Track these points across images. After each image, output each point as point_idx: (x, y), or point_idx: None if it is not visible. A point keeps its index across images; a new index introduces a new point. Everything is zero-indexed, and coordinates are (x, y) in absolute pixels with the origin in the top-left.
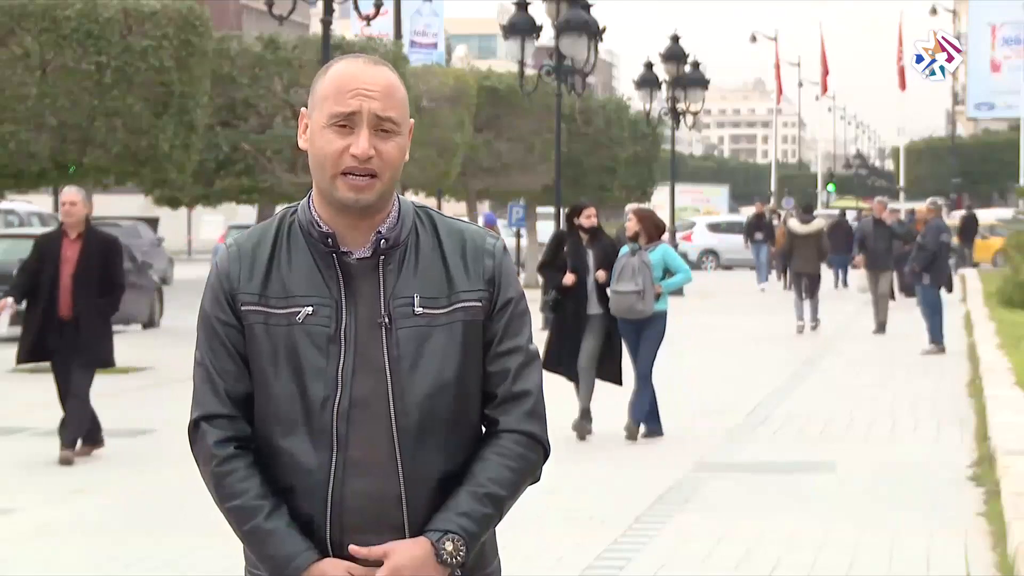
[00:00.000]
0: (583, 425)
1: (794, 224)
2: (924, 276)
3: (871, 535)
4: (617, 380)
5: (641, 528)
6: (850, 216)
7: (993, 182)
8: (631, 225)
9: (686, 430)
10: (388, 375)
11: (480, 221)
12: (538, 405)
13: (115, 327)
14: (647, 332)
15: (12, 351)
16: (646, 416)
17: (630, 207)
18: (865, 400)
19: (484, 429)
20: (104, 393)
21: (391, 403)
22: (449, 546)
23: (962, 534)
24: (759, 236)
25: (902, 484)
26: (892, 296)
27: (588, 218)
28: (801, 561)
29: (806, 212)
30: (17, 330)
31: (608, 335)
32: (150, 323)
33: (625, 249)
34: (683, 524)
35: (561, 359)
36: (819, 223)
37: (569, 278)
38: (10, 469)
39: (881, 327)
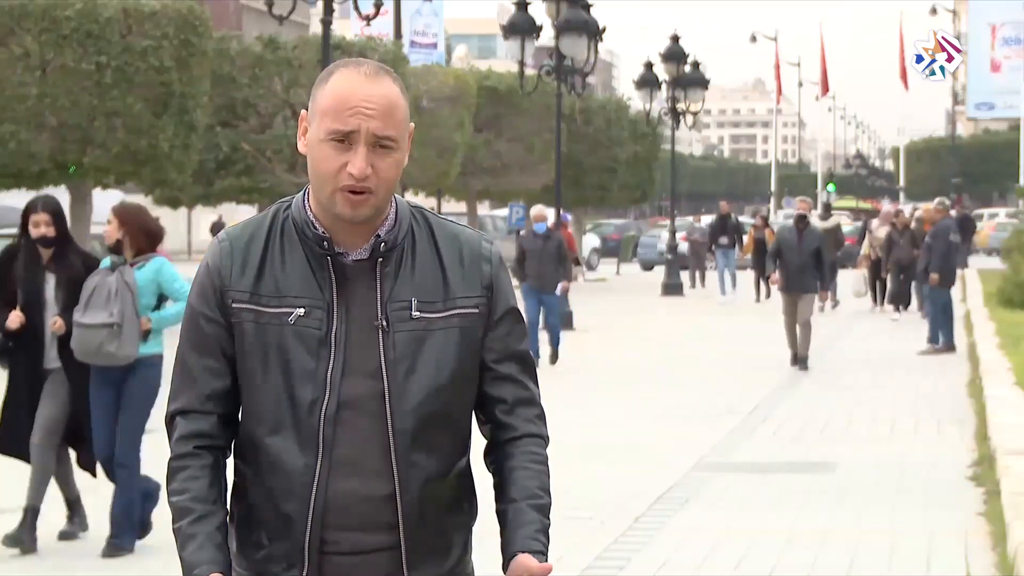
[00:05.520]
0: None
1: (816, 222)
2: (931, 277)
3: (871, 535)
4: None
5: (641, 528)
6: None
7: (993, 182)
8: (111, 230)
9: (686, 430)
10: (385, 378)
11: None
12: (542, 409)
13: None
14: (131, 389)
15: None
16: (124, 525)
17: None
18: (865, 400)
19: (494, 433)
20: None
21: (388, 405)
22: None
23: (962, 534)
24: (723, 240)
25: (902, 484)
26: (904, 305)
27: (38, 226)
28: (801, 561)
29: (825, 211)
30: None
31: (77, 397)
32: None
33: (106, 262)
34: (683, 524)
35: (14, 436)
36: (836, 219)
37: (14, 318)
38: (10, 469)
39: (803, 362)
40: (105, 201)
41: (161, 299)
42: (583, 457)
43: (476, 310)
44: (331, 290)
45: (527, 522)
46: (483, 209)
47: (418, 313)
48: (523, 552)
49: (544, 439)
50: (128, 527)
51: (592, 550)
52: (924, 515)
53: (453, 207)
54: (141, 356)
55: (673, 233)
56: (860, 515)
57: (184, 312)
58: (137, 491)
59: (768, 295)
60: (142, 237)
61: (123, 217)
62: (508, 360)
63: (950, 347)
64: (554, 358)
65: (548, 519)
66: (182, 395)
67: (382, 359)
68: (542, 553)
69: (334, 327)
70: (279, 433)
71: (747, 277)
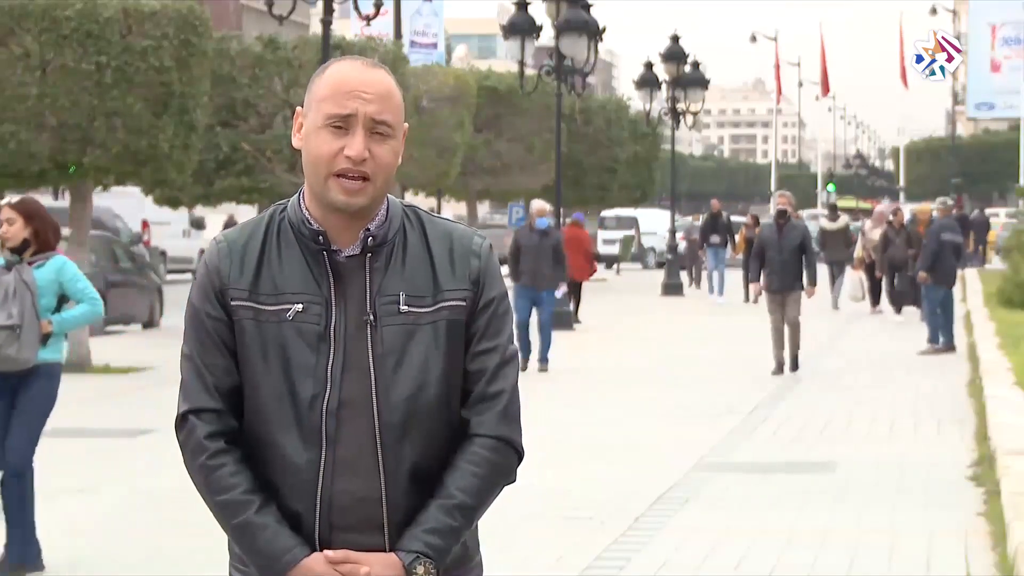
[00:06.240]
0: None
1: (824, 223)
2: (920, 275)
3: (871, 535)
4: None
5: (641, 528)
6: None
7: (993, 182)
8: (15, 229)
9: (686, 430)
10: (372, 373)
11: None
12: (511, 406)
13: (115, 327)
14: (27, 397)
15: None
16: (26, 542)
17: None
18: (865, 400)
19: (464, 429)
20: (104, 393)
21: (375, 401)
22: (420, 570)
23: (962, 534)
24: (715, 239)
25: (902, 484)
26: (908, 303)
27: None
28: (801, 561)
29: (832, 211)
30: None
31: None
32: (150, 323)
33: (0, 260)
34: (683, 524)
35: None
36: (844, 220)
37: None
38: None
39: (793, 361)
40: (104, 201)
41: (60, 302)
42: (583, 457)
43: (463, 303)
44: (329, 285)
45: (421, 521)
46: (483, 209)
47: (406, 308)
48: (398, 551)
49: (500, 439)
50: (31, 545)
51: (592, 550)
52: (924, 515)
53: (453, 207)
54: (39, 363)
55: (673, 233)
56: (860, 515)
57: (185, 313)
58: (33, 506)
59: (755, 300)
60: (50, 234)
61: (29, 213)
62: (482, 354)
63: (950, 347)
64: (542, 366)
65: (457, 519)
66: (195, 394)
67: (370, 354)
68: (422, 554)
69: (333, 321)
70: (283, 430)
71: (738, 276)
